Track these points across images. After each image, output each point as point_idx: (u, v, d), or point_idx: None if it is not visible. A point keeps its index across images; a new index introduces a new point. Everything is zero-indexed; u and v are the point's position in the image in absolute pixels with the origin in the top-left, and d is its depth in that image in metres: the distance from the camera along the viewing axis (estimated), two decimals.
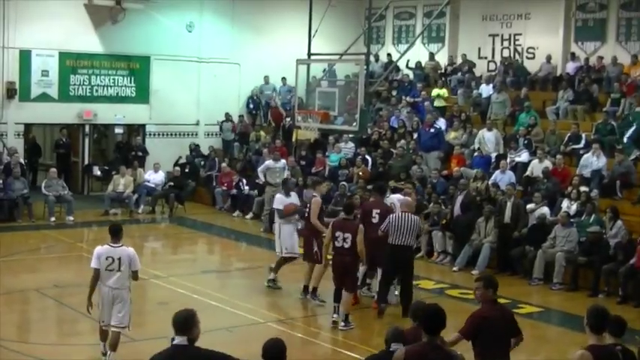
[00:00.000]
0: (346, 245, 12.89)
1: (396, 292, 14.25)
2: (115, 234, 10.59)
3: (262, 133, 26.91)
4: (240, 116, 27.92)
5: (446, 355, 6.29)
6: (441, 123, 23.38)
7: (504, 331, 7.90)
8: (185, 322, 6.21)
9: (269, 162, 22.07)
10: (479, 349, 7.72)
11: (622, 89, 21.83)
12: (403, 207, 13.92)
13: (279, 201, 15.30)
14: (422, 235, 14.53)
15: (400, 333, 7.34)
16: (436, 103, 24.92)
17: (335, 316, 13.24)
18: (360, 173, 21.79)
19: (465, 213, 18.33)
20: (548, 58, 24.97)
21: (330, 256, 13.71)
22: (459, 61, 27.31)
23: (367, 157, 22.70)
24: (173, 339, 6.25)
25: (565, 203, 17.81)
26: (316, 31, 22.68)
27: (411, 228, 13.46)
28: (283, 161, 22.41)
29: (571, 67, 24.41)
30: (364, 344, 12.15)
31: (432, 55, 27.97)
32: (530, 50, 26.05)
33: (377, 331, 12.63)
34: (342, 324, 13.06)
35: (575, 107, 22.40)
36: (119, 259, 10.46)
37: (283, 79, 27.74)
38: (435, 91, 25.40)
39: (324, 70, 24.38)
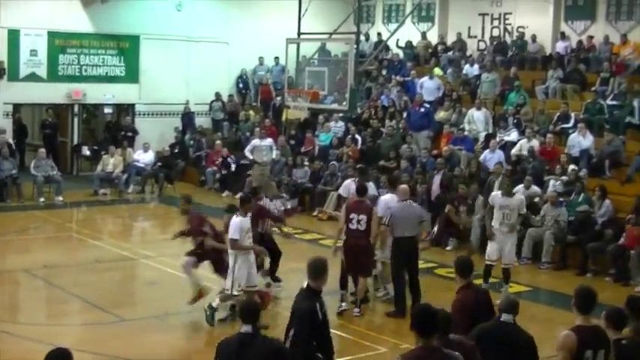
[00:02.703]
0: (361, 227, 12.22)
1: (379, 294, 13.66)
2: (240, 203, 11.63)
3: (252, 112, 26.84)
4: (230, 95, 27.80)
5: (444, 357, 5.95)
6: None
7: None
8: (251, 312, 6.46)
9: (255, 141, 22.21)
10: None
11: (611, 69, 21.86)
12: (400, 195, 12.85)
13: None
14: (426, 222, 13.79)
15: (514, 304, 7.20)
16: None
17: (343, 304, 12.56)
18: (350, 153, 21.79)
19: (445, 192, 18.44)
20: (534, 38, 24.95)
21: (339, 243, 12.86)
22: (450, 40, 27.26)
23: (357, 136, 22.68)
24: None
25: (552, 182, 17.88)
26: (306, 10, 22.66)
27: (413, 216, 12.68)
28: (270, 140, 22.43)
29: (561, 46, 24.39)
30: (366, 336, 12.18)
31: (424, 35, 27.85)
32: (520, 29, 25.93)
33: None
34: (357, 310, 12.50)
35: (565, 86, 22.39)
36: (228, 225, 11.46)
37: (276, 58, 27.56)
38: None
39: (318, 49, 24.33)
